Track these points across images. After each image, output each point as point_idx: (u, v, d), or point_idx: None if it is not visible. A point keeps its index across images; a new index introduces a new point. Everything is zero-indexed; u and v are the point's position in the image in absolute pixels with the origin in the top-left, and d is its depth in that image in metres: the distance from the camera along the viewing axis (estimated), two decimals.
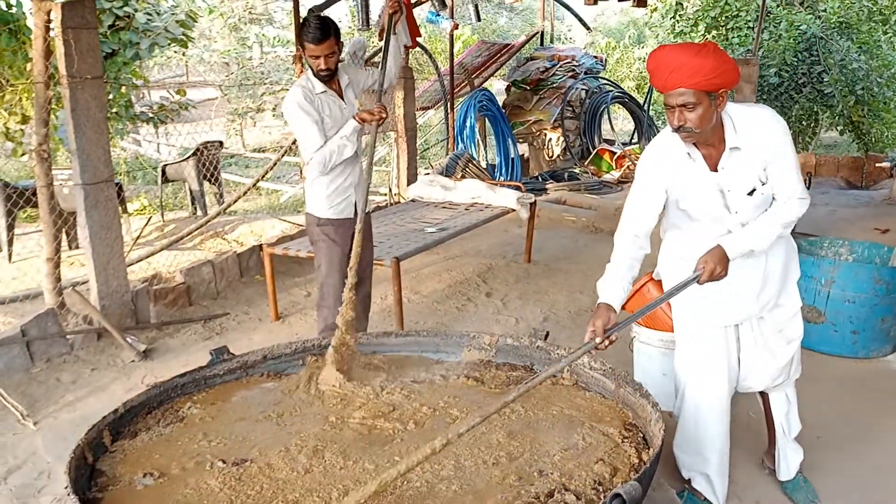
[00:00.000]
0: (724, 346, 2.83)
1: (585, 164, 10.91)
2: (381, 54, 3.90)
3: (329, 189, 3.89)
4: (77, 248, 6.95)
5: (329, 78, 3.72)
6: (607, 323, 2.44)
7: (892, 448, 3.45)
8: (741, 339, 2.85)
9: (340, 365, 3.02)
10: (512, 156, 10.25)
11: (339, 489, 2.18)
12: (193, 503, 2.17)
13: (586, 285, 5.74)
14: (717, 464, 2.90)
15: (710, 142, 2.59)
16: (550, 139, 11.17)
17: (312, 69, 3.69)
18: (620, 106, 13.29)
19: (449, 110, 9.70)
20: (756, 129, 2.57)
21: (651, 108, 12.88)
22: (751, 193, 2.62)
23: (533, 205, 6.35)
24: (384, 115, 3.71)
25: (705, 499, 2.94)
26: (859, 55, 11.26)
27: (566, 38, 24.61)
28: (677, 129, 2.50)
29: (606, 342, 2.39)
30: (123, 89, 7.61)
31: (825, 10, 11.85)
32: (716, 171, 2.62)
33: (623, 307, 3.93)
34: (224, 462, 2.35)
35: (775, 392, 2.99)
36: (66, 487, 2.16)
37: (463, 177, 7.75)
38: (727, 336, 2.83)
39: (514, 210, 6.25)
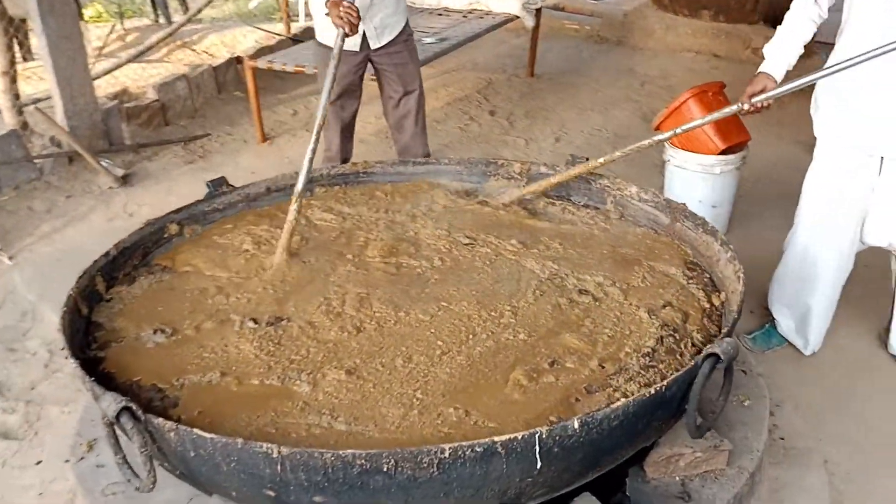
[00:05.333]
0: (863, 180, 2.50)
1: None
2: None
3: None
4: (32, 59, 6.28)
5: None
6: (760, 91, 2.45)
7: None
8: (883, 175, 2.49)
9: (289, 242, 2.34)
10: None
11: (401, 353, 1.90)
12: (225, 368, 1.87)
13: (596, 102, 5.35)
14: (818, 308, 2.70)
15: None
16: None
17: None
18: None
19: None
20: None
21: None
22: None
23: (539, 11, 5.77)
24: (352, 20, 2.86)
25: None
26: None
27: None
28: None
29: (750, 106, 2.43)
30: None
31: None
32: None
33: (657, 127, 3.59)
34: (255, 322, 2.04)
35: None
36: (63, 349, 1.86)
37: None
38: (870, 169, 2.49)
39: (517, 17, 5.69)
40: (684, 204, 2.49)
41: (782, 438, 2.26)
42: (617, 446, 1.66)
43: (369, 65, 3.66)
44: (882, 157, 2.46)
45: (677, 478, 1.87)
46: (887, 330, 2.83)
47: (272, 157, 4.66)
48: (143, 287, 2.24)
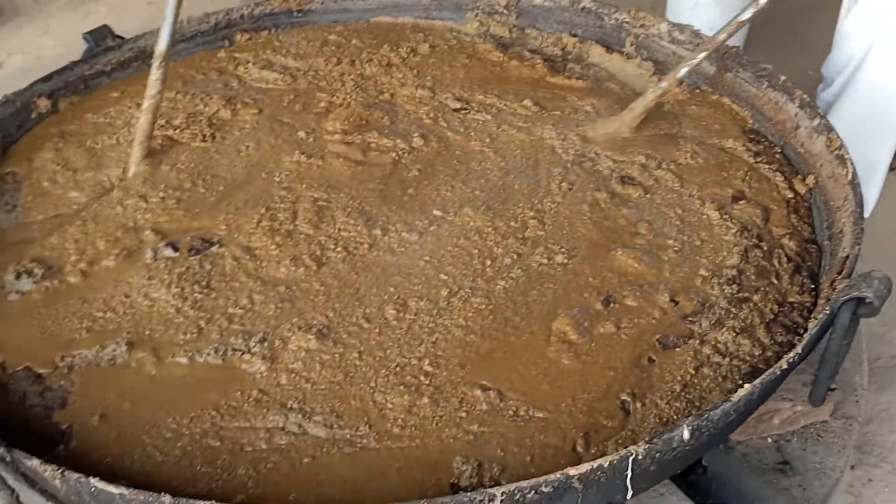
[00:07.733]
0: None
1: None
2: None
3: None
4: None
5: None
6: None
7: None
8: None
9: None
10: None
11: (390, 297, 1.31)
12: (134, 335, 1.24)
13: None
14: (885, 163, 2.22)
15: None
16: None
17: None
18: None
19: None
20: None
21: None
22: None
23: None
24: None
25: None
26: None
27: None
28: None
29: None
30: None
31: None
32: None
33: None
34: (175, 248, 1.41)
35: None
36: None
37: None
38: None
39: None
40: (738, 47, 1.87)
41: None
42: (721, 439, 1.17)
43: None
44: None
45: (770, 440, 1.41)
46: None
47: None
48: None
